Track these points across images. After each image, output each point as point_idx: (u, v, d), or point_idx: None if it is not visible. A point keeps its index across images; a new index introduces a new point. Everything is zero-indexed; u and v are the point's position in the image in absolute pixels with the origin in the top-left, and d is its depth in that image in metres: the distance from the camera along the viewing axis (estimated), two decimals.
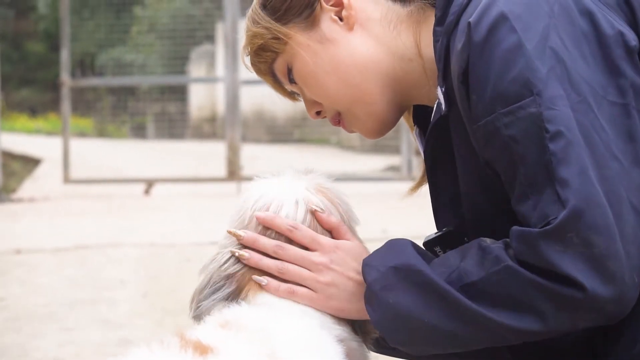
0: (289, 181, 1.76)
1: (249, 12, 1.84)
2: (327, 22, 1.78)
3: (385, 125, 1.83)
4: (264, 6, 1.81)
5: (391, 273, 1.63)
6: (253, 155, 12.21)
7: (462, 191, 1.71)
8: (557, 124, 1.48)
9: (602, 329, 1.60)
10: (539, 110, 1.48)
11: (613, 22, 1.56)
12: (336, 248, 1.71)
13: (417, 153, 9.80)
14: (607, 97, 1.51)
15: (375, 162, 12.99)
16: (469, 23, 1.56)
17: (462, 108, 1.61)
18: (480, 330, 1.55)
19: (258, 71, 1.87)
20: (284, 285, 1.69)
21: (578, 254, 1.46)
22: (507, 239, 1.54)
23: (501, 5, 1.55)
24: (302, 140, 15.11)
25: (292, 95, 1.90)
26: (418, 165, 10.12)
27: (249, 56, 1.85)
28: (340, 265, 1.71)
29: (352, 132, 1.87)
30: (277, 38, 1.79)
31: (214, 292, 1.69)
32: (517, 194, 1.53)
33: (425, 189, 1.86)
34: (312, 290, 1.69)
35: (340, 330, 1.68)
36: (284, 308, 1.66)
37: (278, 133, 15.99)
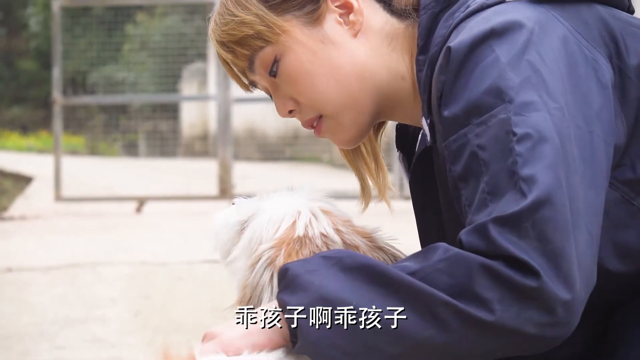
0: (291, 197, 1.70)
1: None
2: (332, 23, 1.71)
3: (362, 137, 1.80)
4: None
5: (320, 260, 1.48)
6: (245, 173, 12.20)
7: (444, 221, 1.68)
8: (525, 127, 1.44)
9: (593, 350, 1.59)
10: (508, 116, 1.45)
11: (588, 56, 1.54)
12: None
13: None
14: (575, 120, 1.48)
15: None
16: (449, 47, 1.54)
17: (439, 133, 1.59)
18: (420, 311, 1.40)
19: (234, 57, 1.75)
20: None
21: (533, 247, 1.38)
22: None
23: (482, 27, 1.53)
24: (293, 159, 15.10)
25: (247, 86, 1.81)
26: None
27: (226, 41, 1.73)
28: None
29: (324, 137, 1.79)
30: (270, 28, 1.70)
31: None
32: (475, 206, 1.45)
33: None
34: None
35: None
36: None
37: (270, 151, 15.98)
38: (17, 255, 7.12)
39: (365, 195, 1.91)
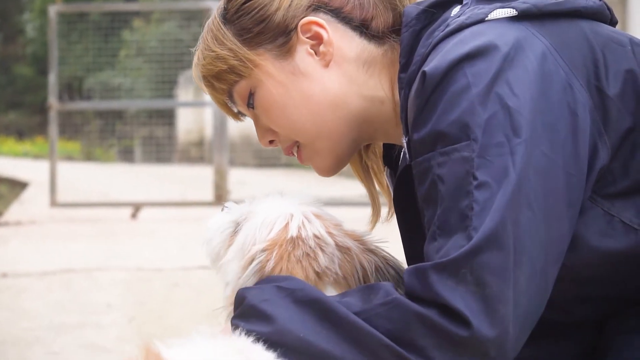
0: (283, 201, 1.70)
1: (210, 24, 1.77)
2: (302, 55, 1.72)
3: (342, 164, 1.82)
4: (229, 21, 1.74)
5: (274, 290, 1.52)
6: (240, 179, 12.21)
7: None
8: (486, 175, 1.45)
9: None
10: (472, 156, 1.46)
11: (563, 78, 1.53)
12: None
13: None
14: (541, 147, 1.49)
15: (362, 187, 12.97)
16: (424, 72, 1.54)
17: None
18: (365, 350, 1.45)
19: (213, 91, 1.78)
20: None
21: (470, 292, 1.42)
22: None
23: (458, 51, 1.53)
24: (289, 165, 15.12)
25: (237, 115, 1.84)
26: None
27: (206, 75, 1.77)
28: None
29: (306, 164, 1.82)
30: (243, 62, 1.72)
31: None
32: (429, 234, 1.50)
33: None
34: None
35: None
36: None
37: (265, 157, 15.99)
38: (13, 260, 7.12)
39: (374, 212, 1.93)
